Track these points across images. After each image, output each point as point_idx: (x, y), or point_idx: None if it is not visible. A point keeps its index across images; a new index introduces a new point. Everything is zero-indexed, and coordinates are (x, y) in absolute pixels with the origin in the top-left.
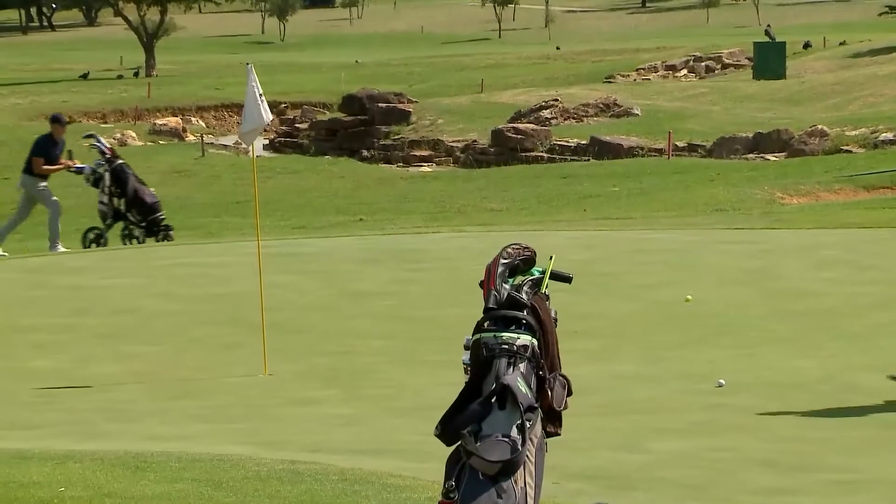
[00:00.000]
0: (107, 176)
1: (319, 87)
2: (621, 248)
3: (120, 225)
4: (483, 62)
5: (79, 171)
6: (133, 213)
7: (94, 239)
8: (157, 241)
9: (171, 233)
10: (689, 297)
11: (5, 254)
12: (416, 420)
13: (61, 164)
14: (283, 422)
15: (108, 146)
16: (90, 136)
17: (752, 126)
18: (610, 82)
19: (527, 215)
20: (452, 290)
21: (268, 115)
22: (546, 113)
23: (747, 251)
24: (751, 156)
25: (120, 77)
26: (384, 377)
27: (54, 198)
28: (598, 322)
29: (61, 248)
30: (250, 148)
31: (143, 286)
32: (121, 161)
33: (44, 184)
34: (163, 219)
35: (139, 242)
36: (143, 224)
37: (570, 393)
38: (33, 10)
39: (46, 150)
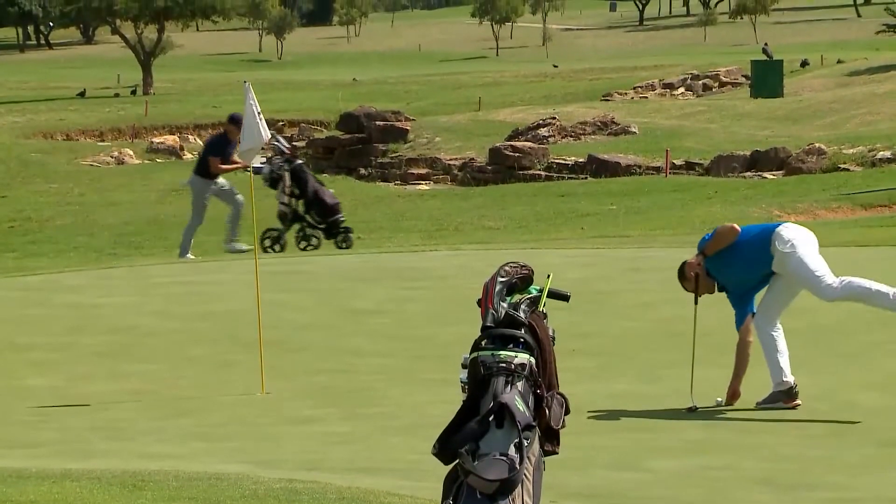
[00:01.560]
0: (287, 176)
1: (317, 105)
2: (619, 267)
3: (294, 227)
4: (480, 80)
5: (256, 171)
6: (313, 215)
7: (274, 240)
8: (337, 245)
9: (351, 236)
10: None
11: (195, 257)
12: (414, 438)
13: (237, 162)
14: (280, 440)
15: (288, 145)
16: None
17: (749, 144)
18: (607, 100)
19: (524, 233)
20: (450, 309)
21: (266, 133)
22: (543, 131)
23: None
24: (748, 174)
25: (116, 95)
26: (382, 395)
27: (237, 193)
28: (595, 340)
29: (239, 247)
30: (248, 166)
31: (140, 304)
32: (300, 161)
33: (216, 185)
34: (342, 221)
35: (314, 246)
36: (323, 226)
37: (567, 411)
38: (31, 29)
39: (222, 149)
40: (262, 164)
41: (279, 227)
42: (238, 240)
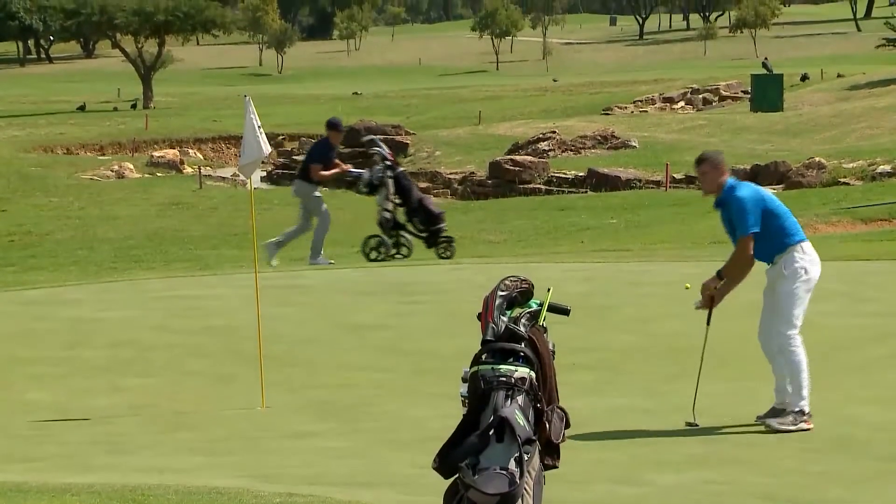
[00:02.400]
0: (390, 183)
1: (317, 119)
2: (619, 281)
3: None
4: (481, 94)
5: (355, 176)
6: (416, 223)
7: (375, 247)
8: (439, 255)
9: (453, 245)
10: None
11: (331, 261)
12: (414, 453)
13: (337, 167)
14: (280, 454)
15: (390, 151)
16: (370, 140)
17: (749, 158)
18: (607, 114)
19: (524, 247)
20: (450, 323)
21: (266, 147)
22: (544, 145)
23: (745, 284)
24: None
25: (115, 109)
26: (381, 410)
27: (325, 207)
28: (595, 354)
29: (322, 261)
30: (248, 180)
31: (140, 318)
32: (402, 169)
33: (318, 193)
34: (445, 229)
35: (404, 255)
36: (425, 234)
37: (567, 425)
38: (31, 43)
39: (324, 155)
40: (359, 171)
41: (380, 234)
42: (323, 253)
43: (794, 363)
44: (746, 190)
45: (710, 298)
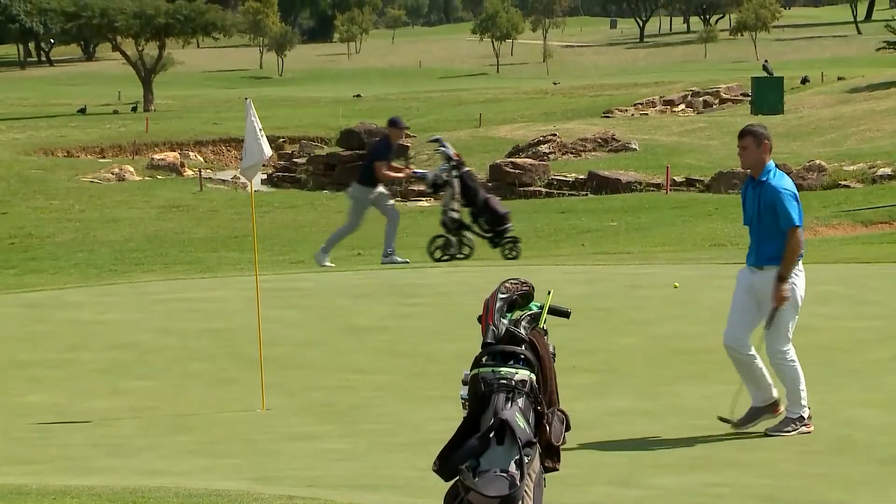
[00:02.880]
0: (455, 183)
1: (317, 122)
2: (619, 283)
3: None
4: (481, 97)
5: (420, 176)
6: (481, 223)
7: (441, 247)
8: (504, 255)
9: (519, 245)
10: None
11: (332, 264)
12: (414, 455)
13: (403, 171)
14: (280, 457)
15: (455, 151)
16: (435, 140)
17: None
18: (608, 117)
19: (525, 250)
20: (450, 325)
21: (268, 150)
22: (544, 147)
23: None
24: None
25: (115, 112)
26: (382, 412)
27: (391, 203)
28: (595, 357)
29: (398, 259)
30: (249, 183)
31: (140, 321)
32: (467, 168)
33: (379, 190)
34: (511, 230)
35: (465, 255)
36: (490, 234)
37: (568, 428)
38: (31, 46)
39: (387, 154)
40: (423, 170)
41: (446, 234)
42: (396, 252)
43: (793, 374)
44: (791, 183)
45: (782, 299)
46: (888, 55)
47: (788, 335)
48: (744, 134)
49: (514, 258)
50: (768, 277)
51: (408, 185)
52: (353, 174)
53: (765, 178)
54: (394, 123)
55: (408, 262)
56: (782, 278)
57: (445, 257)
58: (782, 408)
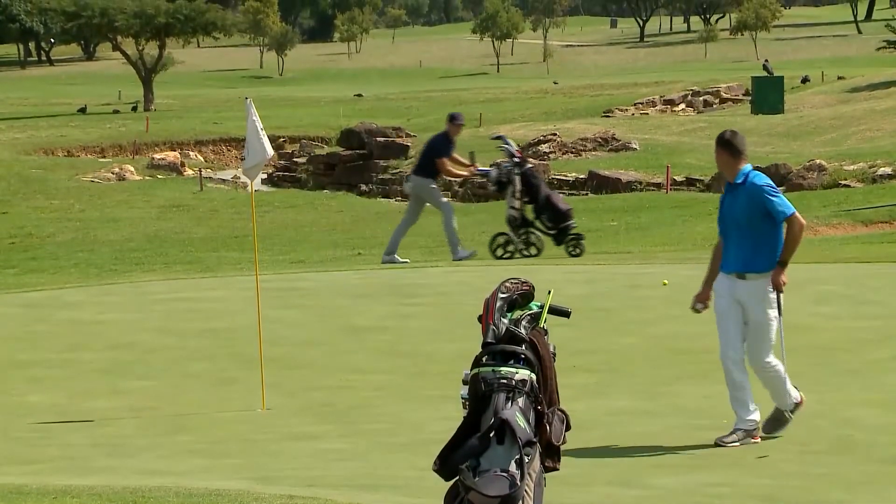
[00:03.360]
0: (517, 180)
1: (318, 122)
2: (620, 283)
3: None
4: (481, 96)
5: (484, 174)
6: (543, 220)
7: (503, 245)
8: (568, 252)
9: (583, 242)
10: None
11: (406, 260)
12: (414, 455)
13: (467, 168)
14: (280, 457)
15: (518, 149)
16: (498, 137)
17: (750, 160)
18: (608, 117)
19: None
20: (450, 325)
21: (269, 149)
22: (544, 147)
23: None
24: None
25: (116, 112)
26: (382, 412)
27: (445, 199)
28: (596, 357)
29: (464, 253)
30: (249, 182)
31: (141, 321)
32: (530, 165)
33: (435, 185)
34: (574, 227)
35: (534, 253)
36: (553, 231)
37: (568, 428)
38: (32, 45)
39: (447, 149)
40: (486, 168)
41: (508, 232)
42: (462, 245)
43: (779, 378)
44: (769, 179)
45: (781, 285)
46: (888, 55)
47: (772, 345)
48: (717, 142)
49: (577, 255)
50: (752, 287)
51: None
52: (354, 174)
53: (741, 181)
54: (452, 119)
55: (474, 254)
56: (783, 263)
57: (507, 255)
58: (802, 397)
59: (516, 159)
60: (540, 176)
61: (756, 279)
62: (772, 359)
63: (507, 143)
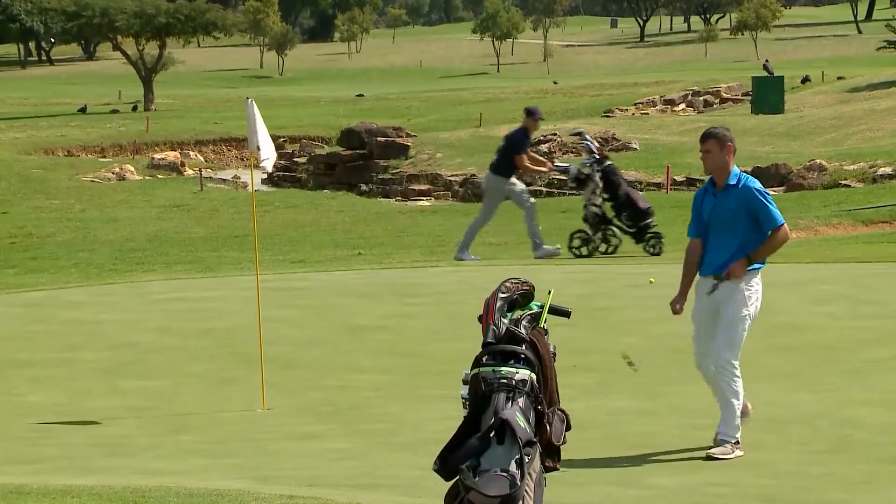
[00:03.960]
0: (597, 177)
1: (318, 122)
2: (620, 283)
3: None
4: (481, 96)
5: (562, 170)
6: (623, 218)
7: (581, 243)
8: (647, 251)
9: (662, 241)
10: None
11: (476, 257)
12: (414, 455)
13: (546, 164)
14: (280, 456)
15: (598, 145)
16: (578, 133)
17: (750, 160)
18: (608, 117)
19: (525, 249)
20: (451, 325)
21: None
22: (544, 147)
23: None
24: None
25: (115, 111)
26: (382, 412)
27: (529, 198)
28: (596, 357)
29: (549, 249)
30: (249, 181)
31: (141, 320)
32: (610, 162)
33: (512, 185)
34: (654, 225)
35: (611, 251)
36: (633, 230)
37: (568, 427)
38: (32, 45)
39: (524, 144)
40: (566, 164)
41: (587, 229)
42: (546, 243)
43: (736, 391)
44: (760, 183)
45: (738, 274)
46: (889, 55)
47: (739, 347)
48: (706, 137)
49: (657, 254)
50: (731, 287)
51: (542, 178)
52: (354, 174)
53: (734, 183)
54: (530, 113)
55: (557, 252)
56: (750, 259)
57: (585, 252)
58: (750, 407)
59: (596, 156)
60: (620, 173)
61: (736, 280)
62: (737, 365)
63: (586, 140)
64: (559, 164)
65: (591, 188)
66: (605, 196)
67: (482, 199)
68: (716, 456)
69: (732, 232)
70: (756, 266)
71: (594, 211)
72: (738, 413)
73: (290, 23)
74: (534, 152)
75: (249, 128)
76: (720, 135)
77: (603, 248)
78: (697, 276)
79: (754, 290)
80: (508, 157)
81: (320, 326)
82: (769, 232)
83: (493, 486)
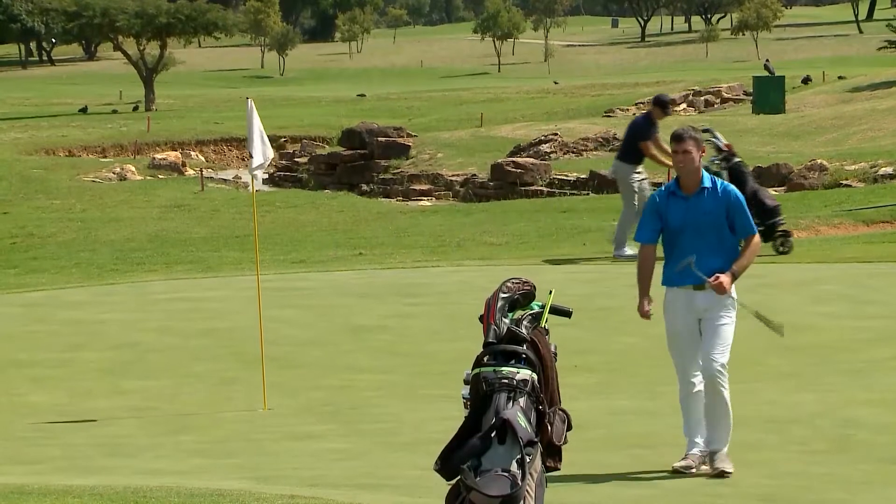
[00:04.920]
0: (724, 174)
1: (319, 122)
2: (621, 283)
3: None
4: (482, 96)
5: None
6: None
7: None
8: (776, 250)
9: (791, 240)
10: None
11: (634, 252)
12: (415, 455)
13: (670, 158)
14: (281, 456)
15: (726, 142)
16: (706, 130)
17: (751, 160)
18: (609, 116)
19: (526, 249)
20: (451, 325)
21: (270, 150)
22: (545, 147)
23: (746, 285)
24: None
25: (114, 112)
26: (383, 412)
27: (636, 199)
28: (597, 356)
29: (629, 252)
30: (250, 182)
31: (142, 320)
32: (738, 159)
33: (639, 175)
34: (782, 223)
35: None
36: (760, 228)
37: (569, 427)
38: (33, 45)
39: (649, 132)
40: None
41: None
42: (629, 244)
43: (727, 400)
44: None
45: (724, 289)
46: (889, 54)
47: (729, 350)
48: (684, 137)
49: (786, 253)
50: (712, 295)
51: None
52: (355, 174)
53: (709, 186)
54: (659, 102)
55: (635, 256)
56: (735, 276)
57: None
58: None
59: (724, 153)
60: (748, 170)
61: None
62: (726, 369)
63: (715, 137)
64: None
65: None
66: None
67: (619, 191)
68: (727, 470)
69: (707, 238)
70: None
71: None
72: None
73: (290, 23)
74: (534, 152)
75: (248, 129)
76: (697, 136)
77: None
78: (667, 290)
79: (734, 293)
80: (633, 144)
81: (321, 326)
82: (743, 239)
83: (494, 486)
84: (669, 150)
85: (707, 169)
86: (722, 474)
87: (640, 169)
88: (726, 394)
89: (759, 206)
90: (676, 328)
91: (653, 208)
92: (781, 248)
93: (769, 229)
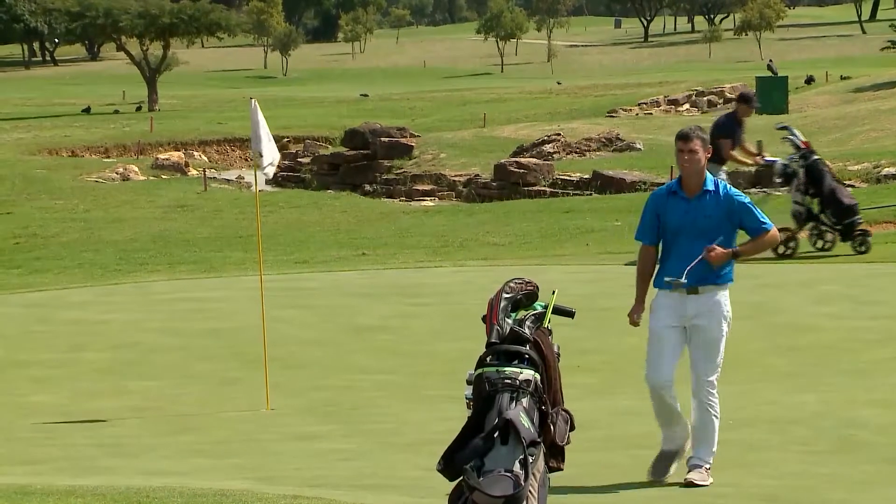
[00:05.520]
0: (801, 172)
1: (322, 122)
2: (624, 283)
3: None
4: (485, 97)
5: (769, 164)
6: (827, 215)
7: (785, 241)
8: (854, 249)
9: (869, 239)
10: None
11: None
12: (418, 455)
13: (754, 157)
14: (284, 456)
15: (804, 140)
16: (783, 127)
17: None
18: (612, 117)
19: (529, 250)
20: (454, 325)
21: (275, 151)
22: (548, 147)
23: (748, 286)
24: (753, 190)
25: (116, 112)
26: (385, 412)
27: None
28: (599, 357)
29: None
30: (256, 181)
31: (144, 321)
32: (816, 157)
33: (724, 173)
34: (860, 222)
35: (826, 248)
36: (838, 227)
37: (572, 427)
38: (36, 45)
39: (733, 131)
40: (773, 158)
41: (791, 227)
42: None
43: (716, 415)
44: None
45: (717, 257)
46: (893, 55)
47: (720, 367)
48: (691, 136)
49: (864, 252)
50: (707, 301)
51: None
52: (358, 174)
53: (712, 188)
54: (744, 98)
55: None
56: (735, 255)
57: (788, 252)
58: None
59: (802, 151)
60: (826, 168)
61: (712, 292)
62: (716, 385)
63: (793, 134)
64: (767, 158)
65: (796, 184)
66: (811, 192)
67: None
68: (696, 482)
69: (704, 240)
70: (728, 280)
71: (798, 208)
72: (716, 436)
73: (293, 23)
74: (537, 152)
75: (253, 129)
76: (704, 136)
77: (819, 244)
78: (658, 291)
79: (728, 306)
80: (715, 145)
81: (324, 327)
82: (757, 236)
83: (497, 486)
84: (751, 152)
85: (786, 167)
86: (691, 484)
87: (724, 168)
88: (714, 411)
89: (837, 204)
90: (658, 328)
91: (651, 208)
92: (860, 248)
93: (847, 228)
